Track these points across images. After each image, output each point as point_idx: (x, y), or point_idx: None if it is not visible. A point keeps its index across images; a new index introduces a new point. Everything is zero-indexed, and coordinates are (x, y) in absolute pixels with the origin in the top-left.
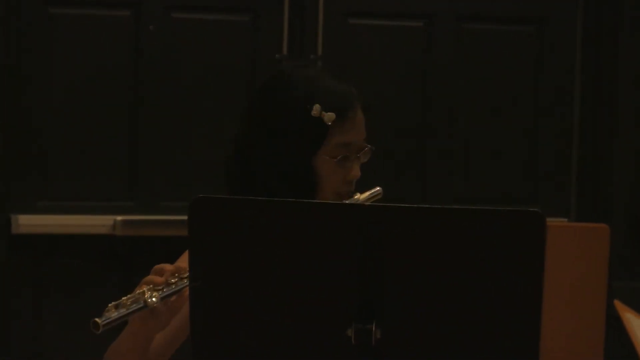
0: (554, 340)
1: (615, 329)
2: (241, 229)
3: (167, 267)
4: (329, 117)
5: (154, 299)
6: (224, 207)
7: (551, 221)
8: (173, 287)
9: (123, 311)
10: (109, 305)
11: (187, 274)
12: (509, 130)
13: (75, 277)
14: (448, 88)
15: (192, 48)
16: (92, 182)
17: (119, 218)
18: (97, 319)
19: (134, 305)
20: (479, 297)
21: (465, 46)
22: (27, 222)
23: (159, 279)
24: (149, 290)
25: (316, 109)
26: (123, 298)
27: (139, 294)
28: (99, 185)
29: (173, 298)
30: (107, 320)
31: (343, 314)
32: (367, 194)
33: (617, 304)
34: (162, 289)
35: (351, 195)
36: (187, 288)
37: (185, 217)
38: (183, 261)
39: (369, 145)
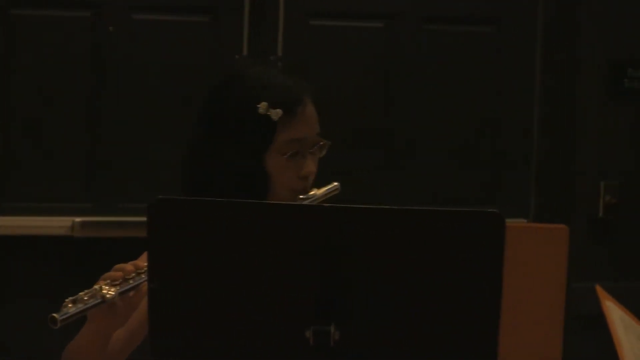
0: (512, 340)
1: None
2: (200, 230)
3: (127, 265)
4: (276, 113)
5: (111, 294)
6: (183, 208)
7: (510, 222)
8: (131, 282)
9: (80, 306)
10: (66, 300)
11: (145, 270)
12: (469, 130)
13: (34, 278)
14: (409, 88)
15: (152, 49)
16: (50, 183)
17: (78, 219)
18: (54, 314)
19: (92, 300)
20: (438, 298)
21: (426, 46)
22: None
23: (116, 274)
24: (106, 285)
25: (263, 106)
26: (80, 293)
27: (96, 289)
28: (57, 187)
29: (131, 294)
30: (65, 316)
31: (302, 315)
32: (324, 189)
33: (599, 289)
34: (120, 284)
35: (307, 191)
36: (145, 284)
37: (144, 219)
38: (142, 261)
39: (323, 140)
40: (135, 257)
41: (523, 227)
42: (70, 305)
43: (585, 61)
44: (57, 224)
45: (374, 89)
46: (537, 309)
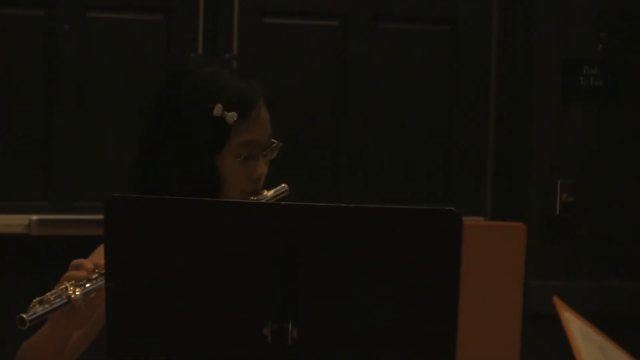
0: (470, 339)
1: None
2: (157, 228)
3: (86, 263)
4: (231, 116)
5: (77, 294)
6: (139, 206)
7: (467, 220)
8: (94, 282)
9: (47, 307)
10: (34, 300)
11: None
12: (424, 129)
13: None
14: (363, 87)
15: (107, 47)
16: (6, 182)
17: (35, 217)
18: (23, 315)
19: (58, 300)
20: (395, 296)
21: (380, 45)
22: None
23: (80, 274)
24: (71, 285)
25: (218, 109)
26: (47, 294)
27: (62, 289)
28: (14, 185)
29: (93, 295)
30: (34, 316)
31: (260, 313)
32: (273, 191)
33: (556, 300)
34: (85, 284)
35: (258, 193)
36: None
37: (101, 217)
38: (98, 256)
39: (275, 142)
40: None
41: (480, 225)
42: (37, 305)
43: (540, 60)
44: (14, 222)
45: (327, 87)
46: (494, 307)
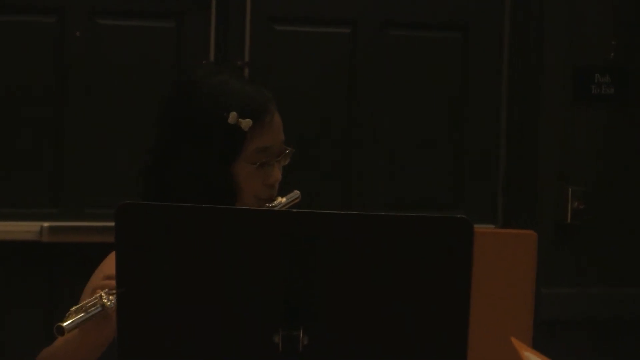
0: (481, 345)
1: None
2: (168, 235)
3: None
4: (246, 123)
5: (111, 301)
6: (150, 213)
7: (479, 227)
8: None
9: (83, 315)
10: (71, 309)
11: None
12: (435, 136)
13: (2, 283)
14: (374, 94)
15: (118, 54)
16: (18, 189)
17: (46, 224)
18: (61, 324)
19: (93, 309)
20: (406, 304)
21: (391, 52)
22: None
23: (112, 283)
24: (105, 294)
25: (232, 116)
26: (82, 302)
27: (96, 297)
28: (25, 192)
29: None
30: (71, 324)
31: (271, 320)
32: (285, 197)
33: (514, 341)
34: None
35: (273, 199)
36: None
37: (111, 224)
38: (110, 263)
39: (288, 148)
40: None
41: (491, 232)
42: (73, 314)
43: (552, 67)
44: (25, 229)
45: (338, 94)
46: (506, 313)
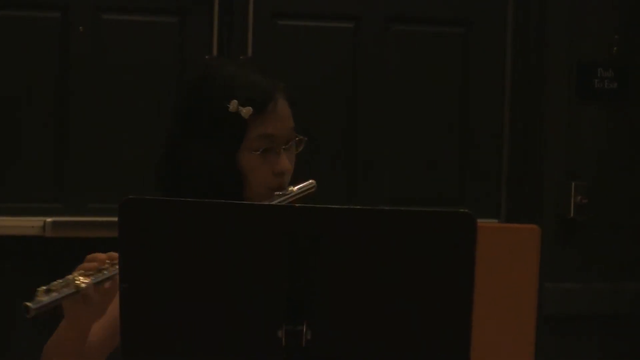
0: (484, 340)
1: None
2: (171, 230)
3: (99, 255)
4: (247, 111)
5: (85, 283)
6: (153, 208)
7: (482, 222)
8: (105, 272)
9: (54, 295)
10: (39, 289)
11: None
12: (438, 131)
13: (5, 278)
14: (377, 89)
15: (121, 49)
16: (21, 184)
17: (49, 219)
18: (27, 303)
19: (65, 289)
20: (409, 298)
21: (394, 47)
22: None
23: (90, 265)
24: (80, 275)
25: (233, 104)
26: (53, 282)
27: (69, 278)
28: (28, 187)
29: (107, 285)
30: (39, 305)
31: (274, 315)
32: (299, 186)
33: None
34: (94, 274)
35: (284, 188)
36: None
37: (115, 219)
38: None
39: (298, 136)
40: None
41: (495, 227)
42: (43, 294)
43: (555, 62)
44: (28, 224)
45: (342, 89)
46: (509, 308)
